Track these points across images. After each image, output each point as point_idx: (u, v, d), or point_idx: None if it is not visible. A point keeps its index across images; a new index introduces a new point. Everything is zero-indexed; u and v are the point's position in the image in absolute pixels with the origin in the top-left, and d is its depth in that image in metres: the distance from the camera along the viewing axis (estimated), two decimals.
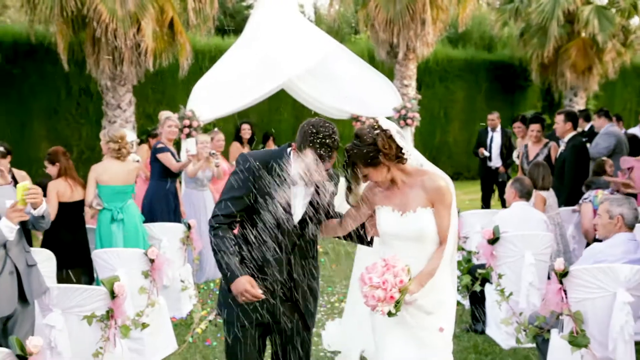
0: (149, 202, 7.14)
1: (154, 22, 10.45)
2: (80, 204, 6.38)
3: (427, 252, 3.19)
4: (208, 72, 9.77)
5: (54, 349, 3.85)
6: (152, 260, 5.20)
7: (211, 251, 8.20)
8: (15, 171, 6.69)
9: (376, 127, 3.12)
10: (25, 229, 4.19)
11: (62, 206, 6.20)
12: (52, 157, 6.32)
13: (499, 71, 18.45)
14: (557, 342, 4.26)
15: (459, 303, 5.92)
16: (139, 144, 9.87)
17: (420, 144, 14.76)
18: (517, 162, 9.02)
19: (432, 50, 14.98)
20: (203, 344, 5.65)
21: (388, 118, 3.96)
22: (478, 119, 16.94)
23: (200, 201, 7.83)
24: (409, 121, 10.89)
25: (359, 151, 3.09)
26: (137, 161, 7.43)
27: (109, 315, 4.02)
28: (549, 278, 4.69)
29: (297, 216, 3.18)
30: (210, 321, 6.14)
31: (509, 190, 6.01)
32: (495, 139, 11.13)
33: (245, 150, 9.47)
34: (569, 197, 7.13)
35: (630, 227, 4.46)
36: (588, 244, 6.01)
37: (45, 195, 5.10)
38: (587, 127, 10.05)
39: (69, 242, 6.21)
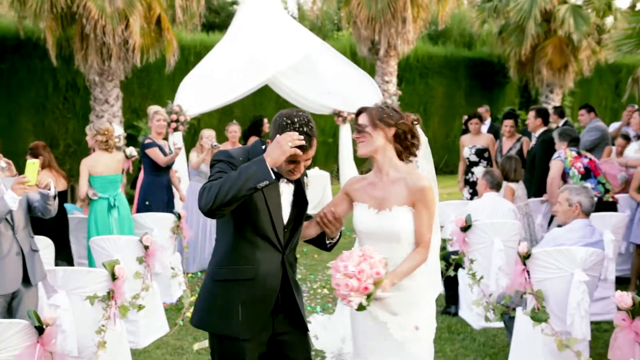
0: (143, 195, 7.36)
1: (141, 19, 10.66)
2: (62, 195, 6.79)
3: (402, 253, 3.09)
4: (194, 68, 10.07)
5: (59, 327, 4.11)
6: (146, 247, 5.52)
7: (200, 242, 8.42)
8: None
9: (417, 119, 3.16)
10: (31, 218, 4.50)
11: None
12: (34, 151, 6.75)
13: (478, 68, 18.75)
14: (522, 319, 4.62)
15: None
16: (126, 137, 10.08)
17: None
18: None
19: (412, 47, 15.26)
20: (193, 327, 5.94)
21: None
22: (457, 115, 17.38)
23: None
24: None
25: (382, 109, 3.08)
26: (134, 156, 7.69)
27: (110, 295, 4.33)
28: None
29: (285, 213, 3.00)
30: None
31: (481, 181, 6.36)
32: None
33: None
34: (538, 188, 7.48)
35: (587, 214, 4.85)
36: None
37: None
38: (561, 122, 10.40)
39: (53, 229, 6.39)
